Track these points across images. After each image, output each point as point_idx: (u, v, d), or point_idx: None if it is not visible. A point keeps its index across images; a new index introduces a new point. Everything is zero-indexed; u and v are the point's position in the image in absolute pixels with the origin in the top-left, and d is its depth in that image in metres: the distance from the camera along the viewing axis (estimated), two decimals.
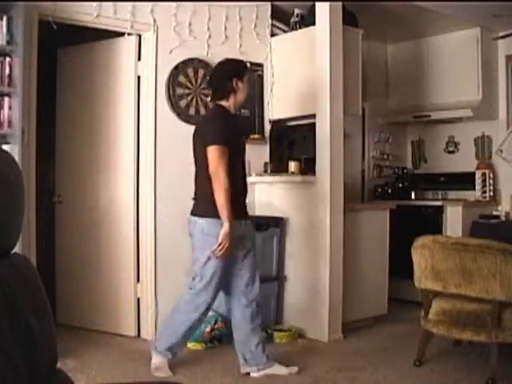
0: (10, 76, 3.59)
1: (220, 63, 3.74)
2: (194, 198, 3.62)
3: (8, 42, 3.58)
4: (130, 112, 4.45)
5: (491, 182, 5.75)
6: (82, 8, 4.07)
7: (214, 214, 3.38)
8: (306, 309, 4.48)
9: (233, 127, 3.53)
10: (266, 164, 4.92)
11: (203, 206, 3.50)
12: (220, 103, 3.58)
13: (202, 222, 3.50)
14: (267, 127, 5.05)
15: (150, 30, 4.40)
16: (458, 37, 5.73)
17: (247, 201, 3.70)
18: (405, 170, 6.45)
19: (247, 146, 4.86)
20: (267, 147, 5.02)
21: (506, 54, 5.77)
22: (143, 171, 4.45)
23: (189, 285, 3.62)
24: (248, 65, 3.68)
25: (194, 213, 3.57)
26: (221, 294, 3.66)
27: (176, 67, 4.50)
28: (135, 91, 4.45)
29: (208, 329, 4.11)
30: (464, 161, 6.04)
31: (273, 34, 5.03)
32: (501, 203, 5.74)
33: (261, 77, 4.99)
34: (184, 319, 3.55)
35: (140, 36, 4.45)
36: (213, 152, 3.36)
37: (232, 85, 3.53)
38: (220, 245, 3.37)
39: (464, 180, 5.93)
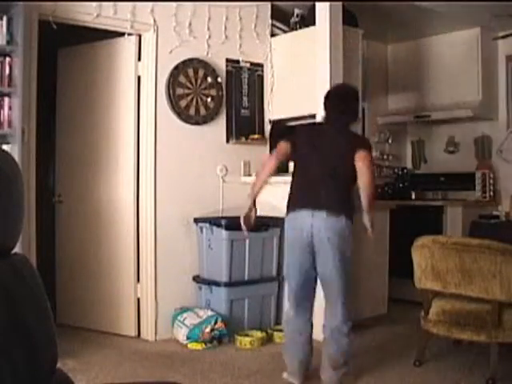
0: (10, 76, 3.60)
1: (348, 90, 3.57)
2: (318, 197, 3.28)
3: (8, 42, 3.59)
4: (130, 112, 4.45)
5: (491, 182, 5.75)
6: (82, 8, 4.07)
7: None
8: None
9: None
10: None
11: (346, 206, 3.31)
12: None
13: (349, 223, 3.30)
14: (267, 127, 5.05)
15: (150, 29, 4.40)
16: (458, 37, 5.73)
17: None
18: (405, 170, 6.45)
19: (247, 146, 4.90)
20: (267, 147, 5.02)
21: (506, 54, 5.77)
22: (143, 171, 4.45)
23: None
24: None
25: (339, 212, 3.23)
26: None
27: (176, 67, 4.51)
28: (135, 91, 4.45)
29: (208, 329, 4.11)
30: (464, 161, 6.04)
31: (273, 34, 5.03)
32: (501, 203, 5.74)
33: (261, 77, 4.99)
34: None
35: (140, 36, 4.45)
36: (368, 157, 3.25)
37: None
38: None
39: (464, 180, 5.93)
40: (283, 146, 3.44)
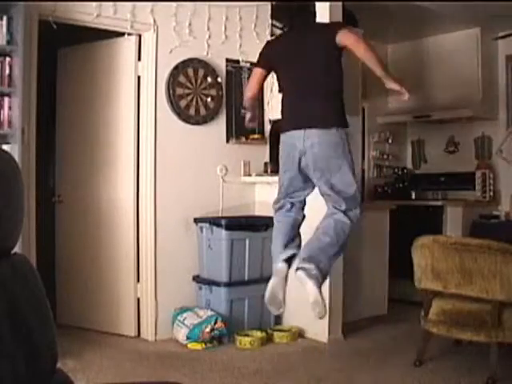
0: (10, 76, 3.60)
1: None
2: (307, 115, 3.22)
3: (8, 42, 3.59)
4: (130, 112, 4.45)
5: (491, 182, 5.75)
6: (82, 8, 4.07)
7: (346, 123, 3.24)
8: (305, 309, 4.47)
9: None
10: (266, 164, 4.92)
11: (337, 115, 3.23)
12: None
13: (342, 132, 3.20)
14: (267, 127, 5.05)
15: (150, 29, 4.40)
16: (457, 37, 5.73)
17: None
18: (405, 170, 6.45)
19: (247, 146, 4.90)
20: (267, 147, 5.02)
21: (506, 54, 5.77)
22: (143, 171, 4.45)
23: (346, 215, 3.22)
24: None
25: (331, 124, 3.16)
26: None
27: (176, 67, 4.51)
28: (135, 91, 4.45)
29: (208, 329, 4.11)
30: (464, 161, 6.05)
31: (273, 34, 5.02)
32: (501, 203, 5.74)
33: None
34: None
35: (140, 36, 4.45)
36: (349, 33, 3.12)
37: None
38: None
39: (464, 180, 5.93)
40: (258, 73, 3.45)
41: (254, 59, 4.88)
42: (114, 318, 4.49)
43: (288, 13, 3.50)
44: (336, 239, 3.18)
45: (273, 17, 5.02)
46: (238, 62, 4.86)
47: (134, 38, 4.43)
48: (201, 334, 4.10)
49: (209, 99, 4.67)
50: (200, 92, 4.63)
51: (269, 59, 3.42)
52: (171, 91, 4.48)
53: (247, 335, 4.27)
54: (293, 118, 3.29)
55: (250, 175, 4.88)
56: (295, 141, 3.22)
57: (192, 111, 4.60)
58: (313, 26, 3.43)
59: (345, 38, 3.12)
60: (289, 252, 3.32)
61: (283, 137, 3.35)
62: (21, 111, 3.61)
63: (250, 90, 3.52)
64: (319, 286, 3.08)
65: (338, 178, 3.21)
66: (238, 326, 4.34)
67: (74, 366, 3.58)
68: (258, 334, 4.30)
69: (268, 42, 3.74)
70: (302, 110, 3.26)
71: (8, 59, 3.59)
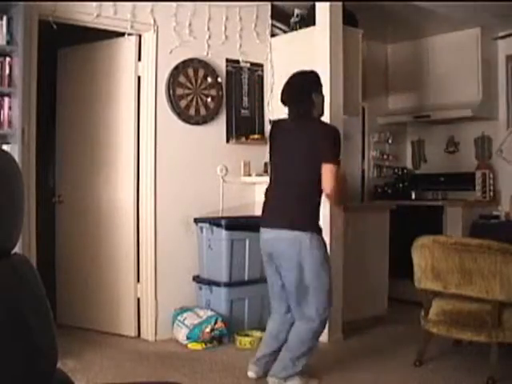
0: (10, 76, 3.59)
1: (294, 76, 3.54)
2: (277, 207, 3.35)
3: (8, 42, 3.58)
4: (130, 112, 4.45)
5: (491, 182, 5.75)
6: (82, 8, 4.07)
7: (319, 230, 3.29)
8: None
9: None
10: (266, 164, 4.92)
11: (309, 220, 3.27)
12: (315, 116, 3.41)
13: (311, 237, 3.23)
14: (267, 127, 5.05)
15: (150, 29, 4.40)
16: (457, 37, 5.73)
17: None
18: (405, 170, 6.45)
19: (247, 146, 4.90)
20: (267, 147, 5.00)
21: (506, 53, 5.77)
22: (143, 171, 4.45)
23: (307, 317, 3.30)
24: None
25: (296, 227, 3.21)
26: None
27: (176, 67, 4.51)
28: (135, 91, 4.45)
29: (208, 329, 4.11)
30: (464, 161, 6.05)
31: (273, 34, 5.03)
32: (501, 203, 5.74)
33: (261, 77, 4.99)
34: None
35: (140, 36, 4.45)
36: (332, 171, 3.19)
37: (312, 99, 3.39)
38: None
39: (464, 180, 5.93)
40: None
41: (254, 59, 4.94)
42: (114, 318, 4.49)
43: (284, 93, 3.45)
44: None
45: (273, 17, 5.03)
46: (238, 62, 4.86)
47: (133, 38, 4.43)
48: (201, 334, 4.10)
49: (209, 99, 4.67)
50: (200, 92, 4.63)
51: (272, 140, 3.55)
52: (171, 91, 4.48)
53: (247, 335, 4.27)
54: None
55: (250, 175, 4.88)
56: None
57: (192, 111, 4.60)
58: (307, 125, 3.35)
59: (323, 171, 3.19)
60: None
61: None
62: (21, 111, 3.60)
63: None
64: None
65: None
66: (238, 326, 4.34)
67: (74, 365, 3.58)
68: (258, 334, 4.29)
69: (274, 123, 3.77)
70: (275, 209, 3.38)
71: (8, 59, 3.59)
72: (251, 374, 3.46)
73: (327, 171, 3.19)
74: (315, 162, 3.21)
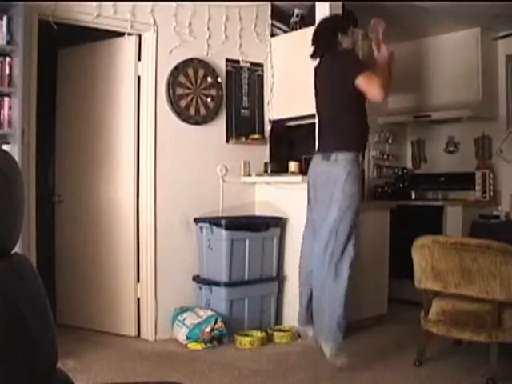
0: (10, 76, 3.60)
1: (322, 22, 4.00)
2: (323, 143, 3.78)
3: (8, 42, 3.59)
4: (130, 112, 4.45)
5: (491, 182, 5.75)
6: (82, 8, 4.07)
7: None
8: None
9: None
10: (265, 164, 4.93)
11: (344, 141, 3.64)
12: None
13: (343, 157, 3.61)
14: (267, 127, 5.05)
15: (150, 29, 4.40)
16: (458, 37, 5.72)
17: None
18: (405, 170, 6.45)
19: (247, 146, 4.90)
20: (267, 147, 5.02)
21: (506, 53, 5.76)
22: (143, 171, 4.45)
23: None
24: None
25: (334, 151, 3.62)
26: None
27: (176, 67, 4.51)
28: (135, 91, 4.45)
29: (208, 329, 4.11)
30: (464, 161, 6.04)
31: (273, 34, 5.03)
32: (501, 203, 5.74)
33: (261, 77, 4.99)
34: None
35: (140, 36, 4.45)
36: (370, 78, 3.51)
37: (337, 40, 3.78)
38: None
39: (464, 180, 5.93)
40: None
41: (254, 59, 4.94)
42: (114, 318, 4.49)
43: (315, 44, 3.86)
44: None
45: (273, 17, 5.03)
46: (238, 62, 4.86)
47: (133, 38, 4.43)
48: (201, 334, 4.10)
49: (209, 99, 4.67)
50: (200, 92, 4.63)
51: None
52: (171, 91, 4.48)
53: (247, 335, 4.27)
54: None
55: (250, 175, 4.88)
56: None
57: (192, 111, 4.60)
58: (338, 57, 3.75)
59: (360, 83, 3.53)
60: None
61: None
62: (21, 111, 3.61)
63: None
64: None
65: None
66: (238, 326, 4.34)
67: (73, 366, 3.58)
68: (258, 334, 4.30)
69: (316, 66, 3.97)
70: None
71: (8, 59, 3.59)
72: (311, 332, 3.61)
73: (365, 81, 3.48)
74: (349, 87, 3.56)
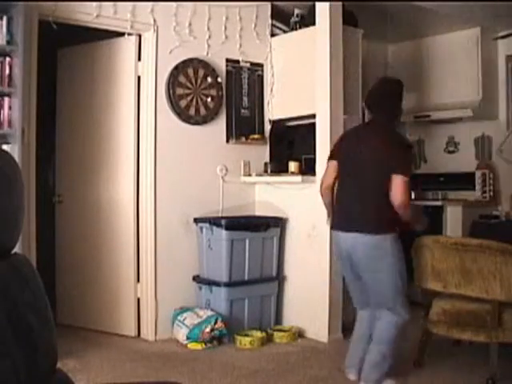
0: (10, 76, 3.59)
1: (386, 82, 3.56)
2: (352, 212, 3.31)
3: (8, 42, 3.58)
4: (130, 112, 4.45)
5: (491, 182, 5.75)
6: (82, 8, 4.07)
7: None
8: (305, 309, 4.48)
9: None
10: (265, 164, 4.93)
11: (380, 220, 3.26)
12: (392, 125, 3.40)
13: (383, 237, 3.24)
14: (267, 127, 5.05)
15: (150, 29, 4.40)
16: (458, 37, 5.72)
17: None
18: None
19: (247, 146, 4.90)
20: (267, 147, 5.02)
21: (506, 53, 5.76)
22: (143, 171, 4.45)
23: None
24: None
25: (379, 232, 3.22)
26: None
27: (176, 67, 4.51)
28: (135, 91, 4.45)
29: (208, 329, 4.11)
30: (464, 161, 6.04)
31: (273, 34, 5.03)
32: (501, 203, 5.73)
33: (261, 77, 4.99)
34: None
35: (140, 36, 4.45)
36: (403, 184, 3.27)
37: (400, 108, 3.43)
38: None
39: (464, 180, 5.93)
40: (332, 165, 3.46)
41: (254, 59, 4.94)
42: (114, 318, 4.49)
43: (368, 99, 3.43)
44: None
45: (273, 17, 5.03)
46: (238, 62, 4.86)
47: (133, 38, 4.43)
48: (201, 334, 4.10)
49: (209, 99, 4.67)
50: (200, 92, 4.63)
51: (339, 146, 3.49)
52: (171, 91, 4.48)
53: (247, 335, 4.27)
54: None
55: (250, 175, 4.88)
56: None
57: (192, 111, 4.60)
58: (384, 134, 3.30)
59: (393, 182, 3.21)
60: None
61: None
62: (21, 111, 3.60)
63: (325, 182, 3.49)
64: None
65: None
66: (238, 326, 4.34)
67: (73, 366, 3.58)
68: (258, 334, 4.30)
69: (341, 137, 3.62)
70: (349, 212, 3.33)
71: (8, 59, 3.59)
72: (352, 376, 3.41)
73: (397, 183, 3.20)
74: (386, 171, 3.20)
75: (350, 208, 3.30)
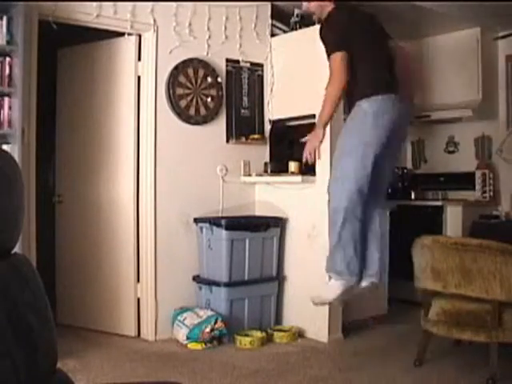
0: (10, 76, 3.60)
1: None
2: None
3: (8, 42, 3.59)
4: (130, 112, 4.45)
5: (491, 182, 5.75)
6: (82, 8, 4.07)
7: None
8: (305, 309, 4.48)
9: None
10: (265, 164, 4.92)
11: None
12: None
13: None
14: (267, 127, 5.05)
15: (150, 29, 4.40)
16: (458, 37, 5.72)
17: None
18: (405, 170, 6.44)
19: (247, 146, 4.89)
20: (267, 147, 5.02)
21: (506, 53, 5.76)
22: (143, 171, 4.45)
23: None
24: None
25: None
26: None
27: (176, 67, 4.51)
28: (135, 91, 4.45)
29: (208, 329, 4.11)
30: (464, 161, 6.04)
31: (273, 34, 5.03)
32: (501, 203, 5.74)
33: (261, 77, 4.99)
34: None
35: (140, 36, 4.45)
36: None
37: None
38: None
39: (464, 180, 5.93)
40: (345, 57, 3.35)
41: (254, 59, 4.93)
42: (114, 318, 4.49)
43: None
44: None
45: (273, 17, 5.02)
46: (238, 62, 4.86)
47: (133, 38, 4.43)
48: (201, 334, 4.10)
49: (209, 99, 4.67)
50: (200, 92, 4.63)
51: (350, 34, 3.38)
52: (171, 91, 4.48)
53: (247, 335, 4.27)
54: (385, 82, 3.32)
55: (250, 175, 4.88)
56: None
57: (192, 111, 4.60)
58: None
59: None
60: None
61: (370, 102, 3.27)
62: (21, 111, 3.61)
63: (342, 82, 3.35)
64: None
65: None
66: (238, 326, 4.34)
67: (73, 366, 3.58)
68: (258, 334, 4.30)
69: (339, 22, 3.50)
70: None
71: (8, 59, 3.59)
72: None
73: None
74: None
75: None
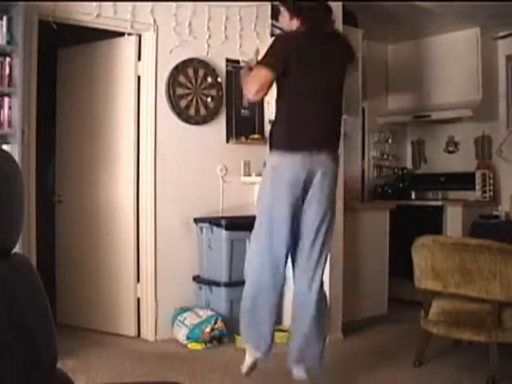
0: (10, 76, 3.60)
1: None
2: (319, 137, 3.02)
3: (8, 42, 3.59)
4: (130, 112, 4.45)
5: (491, 182, 5.75)
6: (82, 8, 4.07)
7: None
8: None
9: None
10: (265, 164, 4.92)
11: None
12: None
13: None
14: (267, 127, 5.04)
15: (150, 29, 4.40)
16: (458, 37, 5.73)
17: None
18: (405, 170, 6.45)
19: (247, 146, 4.89)
20: (267, 147, 5.00)
21: (506, 53, 5.77)
22: (143, 171, 4.45)
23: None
24: None
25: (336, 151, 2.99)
26: None
27: (176, 67, 4.50)
28: (135, 91, 4.45)
29: (208, 329, 4.11)
30: (464, 161, 6.05)
31: (273, 34, 5.02)
32: (501, 203, 5.74)
33: None
34: None
35: (140, 36, 4.45)
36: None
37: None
38: None
39: (464, 180, 5.93)
40: (269, 76, 3.07)
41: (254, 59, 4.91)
42: (114, 318, 4.49)
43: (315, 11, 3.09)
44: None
45: (273, 17, 5.02)
46: (238, 62, 4.86)
47: (134, 38, 4.43)
48: (201, 333, 4.10)
49: (209, 99, 4.67)
50: (200, 92, 4.63)
51: (285, 60, 3.03)
52: (171, 91, 4.48)
53: None
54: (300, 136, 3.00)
55: (249, 175, 4.88)
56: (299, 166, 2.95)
57: (192, 111, 4.59)
58: (333, 33, 3.13)
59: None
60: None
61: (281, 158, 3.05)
62: (21, 111, 3.61)
63: (257, 94, 3.17)
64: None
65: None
66: (238, 326, 4.32)
67: (73, 366, 3.58)
68: None
69: (282, 39, 3.27)
70: (313, 128, 3.00)
71: (8, 59, 3.59)
72: None
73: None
74: (342, 78, 3.18)
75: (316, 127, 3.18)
